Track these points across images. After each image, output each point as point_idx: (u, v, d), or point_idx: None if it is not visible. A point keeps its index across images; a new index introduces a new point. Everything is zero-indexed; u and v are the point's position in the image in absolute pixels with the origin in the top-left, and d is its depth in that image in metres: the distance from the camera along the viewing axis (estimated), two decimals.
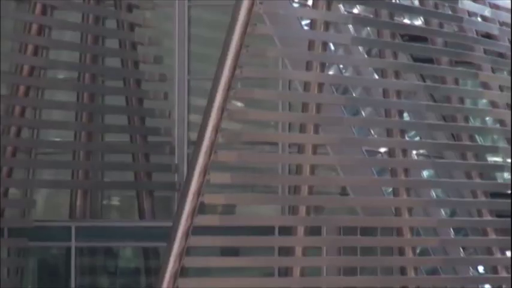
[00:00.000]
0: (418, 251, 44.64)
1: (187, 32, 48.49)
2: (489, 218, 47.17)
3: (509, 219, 47.27)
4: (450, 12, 49.43)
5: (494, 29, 50.68)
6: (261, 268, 44.02)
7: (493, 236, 46.10)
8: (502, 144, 49.98)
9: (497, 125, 50.11)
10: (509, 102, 49.34)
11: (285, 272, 42.91)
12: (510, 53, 51.20)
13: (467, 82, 49.84)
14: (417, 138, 48.24)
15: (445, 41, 48.44)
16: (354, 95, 46.36)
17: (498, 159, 51.40)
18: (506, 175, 51.81)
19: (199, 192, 39.71)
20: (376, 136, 46.68)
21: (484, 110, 50.18)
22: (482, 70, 48.45)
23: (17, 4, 47.58)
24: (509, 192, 49.76)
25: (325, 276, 43.43)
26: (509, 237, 46.13)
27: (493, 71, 49.39)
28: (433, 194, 47.36)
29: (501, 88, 49.33)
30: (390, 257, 44.08)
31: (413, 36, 48.15)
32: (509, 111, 49.21)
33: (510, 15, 48.51)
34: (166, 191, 47.30)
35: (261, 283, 42.68)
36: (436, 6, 48.76)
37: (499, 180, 50.44)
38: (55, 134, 48.06)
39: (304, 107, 43.00)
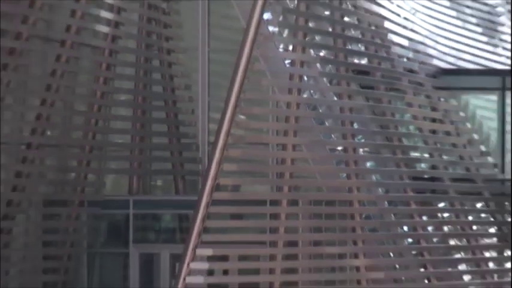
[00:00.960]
0: (363, 216, 45.77)
1: (207, 68, 49.46)
2: (411, 194, 47.73)
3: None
4: (385, 55, 49.70)
5: (415, 66, 51.05)
6: (257, 228, 45.34)
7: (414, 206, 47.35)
8: (420, 144, 50.29)
9: (418, 132, 50.31)
10: (428, 116, 50.49)
11: (274, 230, 43.89)
12: (427, 83, 51.16)
13: (397, 102, 49.63)
14: (363, 140, 48.66)
15: (382, 74, 49.05)
16: (320, 111, 47.37)
17: (417, 154, 50.61)
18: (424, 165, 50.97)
19: (215, 177, 41.06)
20: (335, 138, 47.42)
21: (408, 121, 50.50)
22: (407, 94, 49.47)
23: (92, 49, 47.47)
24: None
25: (301, 233, 44.16)
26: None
27: (414, 94, 50.32)
28: (374, 177, 48.13)
29: (420, 106, 50.26)
30: (345, 220, 45.11)
31: (361, 71, 48.69)
32: (426, 122, 50.23)
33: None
34: (193, 176, 49.16)
35: (258, 237, 44.15)
36: (376, 50, 49.31)
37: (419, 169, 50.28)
38: (118, 137, 49.56)
39: (287, 119, 44.33)
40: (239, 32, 43.86)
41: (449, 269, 49.20)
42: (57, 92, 45.16)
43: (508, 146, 51.79)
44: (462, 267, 50.22)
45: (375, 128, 48.62)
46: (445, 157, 50.10)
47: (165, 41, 49.53)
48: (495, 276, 51.02)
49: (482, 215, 51.30)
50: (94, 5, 46.42)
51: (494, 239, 51.60)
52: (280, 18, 46.10)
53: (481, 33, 56.89)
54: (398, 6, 51.68)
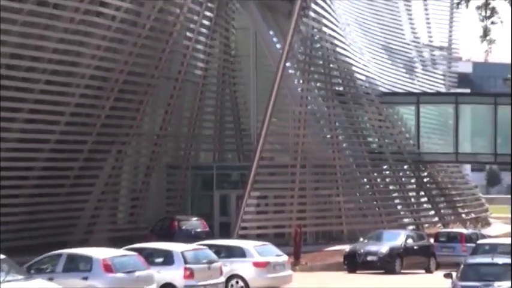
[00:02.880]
0: (342, 173, 45.37)
1: (256, 92, 46.86)
2: (368, 160, 47.39)
3: None
4: (353, 84, 48.82)
5: (370, 91, 49.19)
6: (283, 180, 43.49)
7: None
8: (373, 133, 49.67)
9: (371, 126, 49.50)
10: (376, 118, 49.32)
11: (292, 181, 43.00)
12: (376, 100, 49.17)
13: (359, 110, 48.91)
14: (341, 131, 47.81)
15: (351, 95, 48.49)
16: (317, 115, 46.89)
17: (371, 139, 49.98)
18: (374, 145, 49.70)
19: (261, 152, 41.27)
20: (325, 130, 47.06)
21: (365, 121, 49.18)
22: (365, 106, 48.28)
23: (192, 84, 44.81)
24: None
25: (308, 183, 43.45)
26: None
27: (369, 106, 48.56)
28: (347, 152, 47.87)
29: (372, 113, 48.70)
30: (332, 175, 44.62)
31: (339, 93, 47.67)
32: (376, 122, 49.19)
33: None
34: (248, 152, 46.17)
35: (284, 186, 43.09)
36: (347, 82, 48.88)
37: None
38: (207, 132, 47.48)
39: (299, 120, 43.53)
40: (273, 72, 43.13)
41: (389, 203, 49.19)
42: (173, 109, 43.49)
43: (421, 134, 50.20)
44: (397, 201, 50.21)
45: (348, 125, 48.25)
46: (386, 140, 49.52)
47: (232, 78, 47.78)
48: (415, 206, 50.91)
49: (407, 172, 50.96)
50: (193, 58, 44.48)
51: (414, 186, 51.42)
52: (295, 66, 45.56)
53: (405, 73, 55.46)
54: (360, 57, 50.09)
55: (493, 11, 10.36)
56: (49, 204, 36.83)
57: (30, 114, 35.25)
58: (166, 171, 44.84)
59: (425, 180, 52.13)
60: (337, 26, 47.95)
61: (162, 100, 42.77)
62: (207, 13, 44.05)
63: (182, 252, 25.72)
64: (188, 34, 43.39)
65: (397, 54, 56.10)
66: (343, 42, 48.50)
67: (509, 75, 58.35)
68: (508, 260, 23.61)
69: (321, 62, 47.30)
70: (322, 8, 46.32)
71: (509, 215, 59.53)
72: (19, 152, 35.50)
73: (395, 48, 56.16)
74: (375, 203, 47.33)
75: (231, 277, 27.19)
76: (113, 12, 37.40)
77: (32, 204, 35.97)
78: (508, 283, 21.95)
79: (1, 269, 21.17)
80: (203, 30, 44.33)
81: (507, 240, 32.04)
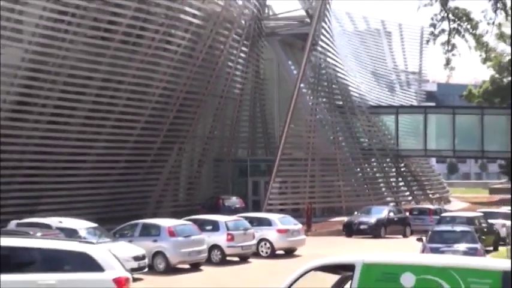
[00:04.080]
0: (342, 164, 44.90)
1: (279, 105, 46.80)
2: (360, 155, 46.49)
3: None
4: (349, 100, 47.49)
5: (362, 104, 48.41)
6: (299, 169, 42.61)
7: None
8: (364, 134, 48.42)
9: (363, 130, 48.37)
10: (366, 124, 48.20)
11: (304, 170, 42.21)
12: (366, 111, 48.16)
13: (353, 119, 47.72)
14: (340, 133, 46.64)
15: (348, 108, 47.33)
16: (323, 122, 45.98)
17: (362, 139, 48.32)
18: (365, 144, 48.15)
19: (282, 149, 40.98)
20: (329, 133, 45.95)
21: (359, 126, 48.07)
22: (358, 115, 47.33)
23: (231, 99, 43.81)
24: None
25: (317, 171, 42.95)
26: None
27: (361, 115, 47.80)
28: (346, 149, 46.78)
29: (363, 120, 47.75)
30: (333, 165, 44.22)
31: (339, 106, 46.82)
32: (366, 127, 48.05)
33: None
34: (274, 149, 44.49)
35: (299, 173, 42.23)
36: (345, 98, 47.59)
37: None
38: (243, 134, 46.28)
39: (309, 126, 42.95)
40: (291, 91, 42.64)
41: (376, 186, 48.24)
42: (218, 118, 42.54)
43: (399, 136, 49.37)
44: (381, 185, 49.36)
45: (345, 129, 47.48)
46: (374, 140, 48.52)
47: (261, 95, 46.90)
48: (395, 189, 49.99)
49: (389, 164, 50.15)
50: (233, 81, 43.75)
51: (394, 174, 50.44)
52: (307, 86, 44.86)
53: (387, 91, 54.96)
54: (354, 80, 49.47)
55: (453, 46, 10.30)
56: (129, 187, 36.71)
57: (115, 122, 35.10)
58: (213, 163, 44.25)
59: (402, 169, 51.49)
60: (337, 57, 47.51)
61: (210, 112, 42.29)
62: (243, 48, 43.77)
63: (225, 222, 25.79)
64: (229, 63, 43.18)
65: (381, 77, 55.65)
66: (342, 69, 48.08)
67: (464, 93, 58.17)
68: (463, 228, 23.83)
69: (326, 83, 46.81)
70: (327, 44, 45.99)
71: (465, 195, 60.30)
72: (108, 149, 35.40)
73: (380, 73, 55.79)
74: (365, 186, 46.82)
75: (261, 240, 27.06)
76: (175, 48, 37.28)
77: (117, 186, 35.86)
78: (464, 245, 21.91)
79: (95, 234, 21.47)
80: (240, 60, 44.15)
81: (463, 214, 32.23)
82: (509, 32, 48.16)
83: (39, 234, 18.27)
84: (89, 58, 32.72)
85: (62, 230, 20.88)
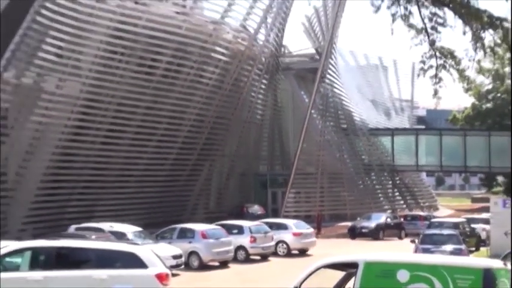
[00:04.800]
0: (346, 175, 45.92)
1: (293, 129, 46.10)
2: (362, 169, 46.49)
3: None
4: (352, 122, 47.26)
5: (363, 127, 47.91)
6: (309, 182, 42.16)
7: None
8: (366, 152, 47.94)
9: (363, 148, 48.14)
10: (367, 143, 47.78)
11: (316, 182, 41.89)
12: (366, 132, 47.71)
13: (356, 140, 47.31)
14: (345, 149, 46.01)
15: (352, 130, 47.15)
16: (330, 141, 45.35)
17: (364, 156, 47.42)
18: (366, 160, 47.20)
19: (296, 164, 40.67)
20: (335, 151, 45.32)
21: (360, 145, 47.23)
22: (360, 136, 47.05)
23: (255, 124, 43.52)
24: None
25: (323, 178, 44.14)
26: None
27: (363, 136, 47.56)
28: (349, 165, 45.93)
29: (364, 140, 47.35)
30: (339, 174, 43.95)
31: (344, 129, 46.26)
32: (366, 146, 47.52)
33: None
34: (288, 164, 44.28)
35: (308, 184, 42.32)
36: (348, 122, 47.44)
37: None
38: (264, 153, 45.71)
39: (319, 145, 42.79)
40: (303, 116, 42.39)
41: (375, 196, 47.39)
42: (242, 140, 42.03)
43: (395, 153, 49.09)
44: (380, 195, 48.31)
45: (349, 148, 46.90)
46: (373, 157, 48.20)
47: (278, 119, 46.53)
48: (391, 198, 49.17)
49: (386, 177, 49.70)
50: (255, 108, 42.87)
51: (391, 185, 50.16)
52: (317, 112, 44.40)
53: (384, 116, 54.40)
54: (357, 107, 49.22)
55: (440, 79, 10.41)
56: (168, 197, 36.48)
57: (157, 142, 34.90)
58: (239, 177, 43.70)
59: (397, 182, 51.11)
60: (342, 87, 47.31)
61: (236, 134, 41.57)
62: (263, 81, 43.41)
63: (249, 226, 25.68)
64: (252, 93, 42.78)
65: (379, 104, 55.60)
66: (346, 97, 47.93)
67: (449, 117, 57.74)
68: (450, 231, 23.41)
69: (332, 110, 46.51)
70: (333, 77, 45.78)
71: (451, 204, 59.35)
72: (151, 165, 35.14)
73: (378, 101, 55.70)
74: (366, 196, 46.22)
75: (278, 242, 26.85)
76: (207, 80, 37.10)
77: (158, 196, 35.69)
78: (451, 246, 21.50)
79: (140, 236, 21.45)
80: (261, 91, 43.71)
81: (449, 219, 31.85)
82: (487, 66, 49.64)
83: (93, 237, 18.48)
84: (135, 90, 32.74)
85: (112, 233, 20.98)
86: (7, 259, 12.64)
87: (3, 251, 12.65)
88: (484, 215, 32.70)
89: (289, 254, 26.81)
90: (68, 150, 30.18)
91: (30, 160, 28.57)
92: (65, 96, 29.78)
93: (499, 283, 9.56)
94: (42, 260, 12.65)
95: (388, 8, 9.64)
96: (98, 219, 27.38)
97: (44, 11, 27.79)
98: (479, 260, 11.40)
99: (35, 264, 12.56)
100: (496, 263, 10.15)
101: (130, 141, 33.37)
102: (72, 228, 22.86)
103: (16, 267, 12.64)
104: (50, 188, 29.29)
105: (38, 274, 12.35)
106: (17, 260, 12.76)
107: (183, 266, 21.34)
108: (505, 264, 10.22)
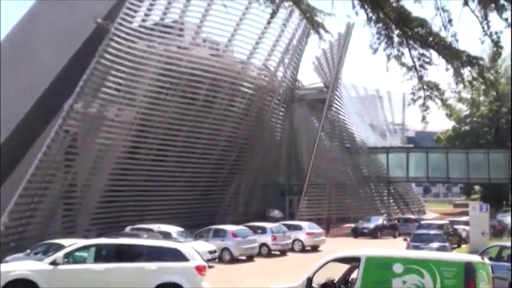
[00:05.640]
0: (348, 183, 43.71)
1: (306, 149, 44.87)
2: (362, 178, 46.48)
3: None
4: (354, 143, 46.49)
5: (363, 146, 47.03)
6: (318, 192, 41.18)
7: None
8: (366, 166, 46.91)
9: (363, 163, 47.05)
10: (366, 159, 46.76)
11: (324, 190, 40.75)
12: (366, 150, 47.05)
13: (356, 156, 46.27)
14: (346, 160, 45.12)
15: (354, 149, 46.16)
16: (335, 156, 43.97)
17: (364, 170, 46.22)
18: (365, 173, 46.30)
19: (309, 177, 39.62)
20: (339, 163, 44.12)
21: (360, 161, 46.44)
22: (361, 154, 45.97)
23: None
24: None
25: (327, 186, 41.77)
26: None
27: (363, 153, 46.53)
28: (352, 175, 45.10)
29: (363, 157, 46.44)
30: (342, 181, 43.56)
31: (347, 147, 45.59)
32: (365, 162, 46.79)
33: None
34: (301, 176, 42.15)
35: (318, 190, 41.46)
36: (350, 142, 46.54)
37: None
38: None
39: (328, 159, 41.87)
40: (314, 137, 41.82)
41: (374, 202, 46.48)
42: (265, 158, 40.17)
43: (389, 167, 47.66)
44: (377, 201, 47.53)
45: (352, 164, 45.89)
46: (372, 170, 47.27)
47: (294, 140, 44.66)
48: (387, 204, 48.42)
49: (383, 187, 48.73)
50: (275, 132, 41.79)
51: (386, 194, 48.89)
52: (325, 134, 43.65)
53: (380, 137, 53.81)
54: (358, 131, 48.56)
55: (427, 107, 10.34)
56: (205, 203, 35.78)
57: (197, 159, 34.76)
58: (262, 187, 42.98)
59: (392, 191, 50.14)
60: (346, 114, 46.73)
61: (259, 152, 40.99)
62: (281, 109, 42.56)
63: (270, 227, 25.67)
64: (272, 119, 42.21)
65: (376, 127, 54.81)
66: (349, 122, 47.16)
67: (434, 138, 56.73)
68: (436, 231, 23.19)
69: (338, 133, 45.71)
70: (339, 106, 45.10)
71: (436, 209, 58.13)
72: (191, 177, 34.50)
73: (375, 125, 54.90)
74: (366, 202, 45.53)
75: (295, 240, 26.70)
76: (236, 109, 36.86)
77: (197, 203, 35.20)
78: (437, 243, 21.21)
79: (182, 235, 21.50)
80: (280, 117, 42.94)
81: (435, 221, 31.30)
82: (466, 96, 48.61)
83: (145, 235, 18.70)
84: (179, 117, 32.58)
85: (160, 233, 20.98)
86: (76, 253, 12.97)
87: (74, 247, 13.02)
88: (464, 218, 32.04)
89: (303, 250, 26.74)
90: (125, 166, 30.63)
91: (95, 174, 29.18)
92: (122, 122, 30.36)
93: (478, 275, 9.69)
94: (104, 254, 12.92)
95: (384, 50, 9.89)
96: (148, 221, 27.05)
97: (106, 55, 28.87)
98: (461, 255, 11.61)
99: (98, 258, 12.83)
100: (475, 258, 10.25)
101: (175, 159, 33.14)
102: (128, 229, 23.01)
103: (83, 260, 12.97)
104: (110, 196, 29.69)
105: (101, 266, 12.64)
106: (84, 254, 13.09)
107: (217, 260, 21.48)
108: (482, 258, 10.29)
